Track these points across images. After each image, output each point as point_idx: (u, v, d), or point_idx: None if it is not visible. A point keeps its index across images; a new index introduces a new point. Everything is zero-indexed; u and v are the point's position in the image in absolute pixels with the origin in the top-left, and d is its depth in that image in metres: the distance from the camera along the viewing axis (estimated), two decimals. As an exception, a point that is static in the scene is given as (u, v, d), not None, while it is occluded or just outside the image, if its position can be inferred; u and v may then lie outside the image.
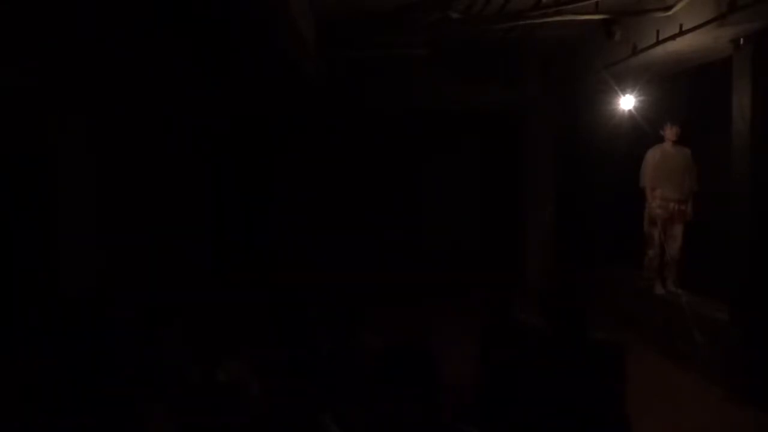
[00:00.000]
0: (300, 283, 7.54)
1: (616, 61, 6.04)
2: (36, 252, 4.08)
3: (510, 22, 5.88)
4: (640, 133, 6.50)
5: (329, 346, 3.05)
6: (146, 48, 5.41)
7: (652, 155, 6.16)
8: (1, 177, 3.81)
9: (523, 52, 7.61)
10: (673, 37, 5.01)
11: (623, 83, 6.46)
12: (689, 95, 6.31)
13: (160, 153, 6.12)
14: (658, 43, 5.24)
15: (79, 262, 4.54)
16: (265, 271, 7.95)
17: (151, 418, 2.32)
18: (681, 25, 4.91)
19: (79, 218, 4.61)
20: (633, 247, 6.59)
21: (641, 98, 6.41)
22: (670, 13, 5.03)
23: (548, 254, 8.15)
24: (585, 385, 2.77)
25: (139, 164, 5.58)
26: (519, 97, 8.12)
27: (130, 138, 5.45)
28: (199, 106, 7.29)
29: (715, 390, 4.91)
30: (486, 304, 3.52)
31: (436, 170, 9.15)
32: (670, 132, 6.00)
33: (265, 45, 5.38)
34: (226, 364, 2.73)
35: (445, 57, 7.46)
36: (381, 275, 8.04)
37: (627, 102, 6.49)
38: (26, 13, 3.77)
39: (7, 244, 3.83)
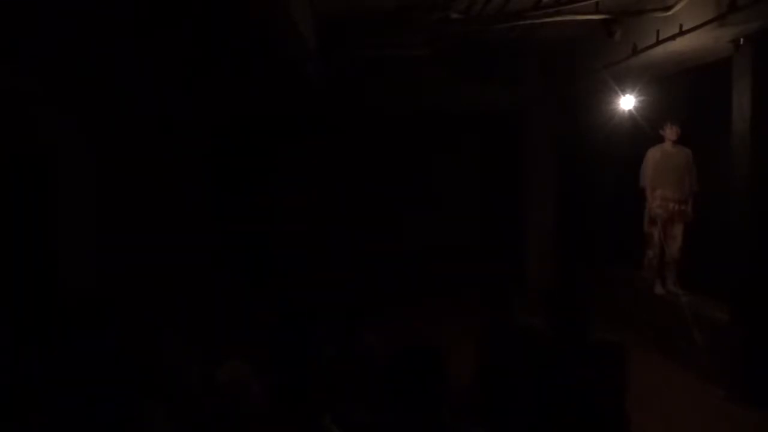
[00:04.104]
0: (300, 282, 7.55)
1: (616, 61, 6.04)
2: (36, 252, 4.08)
3: (510, 22, 5.88)
4: (640, 133, 6.49)
5: (329, 347, 3.05)
6: (145, 48, 5.41)
7: (652, 155, 6.16)
8: (1, 177, 3.81)
9: (523, 52, 7.60)
10: (673, 37, 5.01)
11: (623, 83, 6.46)
12: (689, 95, 6.31)
13: (160, 153, 6.12)
14: (658, 43, 5.24)
15: (79, 262, 4.54)
16: (266, 271, 7.96)
17: (151, 418, 2.31)
18: (681, 25, 4.91)
19: (78, 218, 4.61)
20: (633, 247, 6.59)
21: (641, 98, 6.41)
22: (670, 13, 5.03)
23: (548, 254, 8.15)
24: (585, 385, 2.77)
25: (138, 164, 5.58)
26: (519, 97, 8.12)
27: (129, 138, 5.45)
28: (198, 106, 7.29)
29: (715, 390, 4.91)
30: (486, 304, 3.52)
31: (437, 170, 9.14)
32: (670, 132, 6.00)
33: (265, 45, 5.37)
34: (226, 364, 2.74)
35: (445, 57, 7.46)
36: (381, 275, 8.04)
37: (627, 102, 6.49)
38: (24, 12, 3.77)
39: (7, 244, 3.83)
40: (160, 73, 6.08)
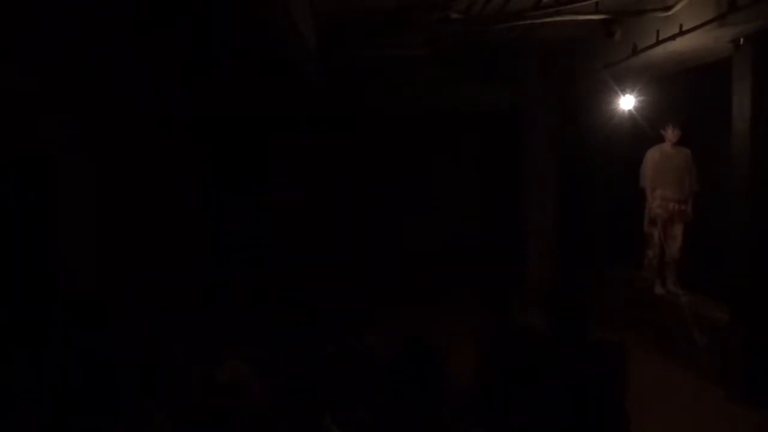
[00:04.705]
0: (300, 282, 7.55)
1: (616, 61, 6.03)
2: (36, 252, 4.08)
3: (510, 22, 5.87)
4: (640, 133, 6.49)
5: (329, 347, 3.05)
6: (145, 48, 5.41)
7: (652, 155, 6.16)
8: (1, 177, 3.81)
9: (523, 52, 7.60)
10: (673, 37, 5.01)
11: (623, 83, 6.46)
12: (689, 95, 6.31)
13: (159, 154, 6.12)
14: (658, 43, 5.24)
15: (79, 262, 4.54)
16: (266, 272, 7.96)
17: (151, 418, 2.31)
18: (681, 25, 4.90)
19: (78, 218, 4.61)
20: (633, 247, 6.59)
21: (641, 98, 6.40)
22: (670, 13, 5.03)
23: (548, 254, 8.14)
24: (585, 385, 2.77)
25: (138, 165, 5.58)
26: (519, 97, 8.11)
27: (129, 138, 5.45)
28: (198, 106, 7.29)
29: (715, 390, 4.91)
30: (486, 304, 3.52)
31: (437, 170, 9.15)
32: (671, 134, 6.00)
33: (265, 45, 5.38)
34: (226, 364, 2.74)
35: (445, 57, 7.45)
36: (381, 276, 8.04)
37: (627, 102, 6.48)
38: (24, 12, 3.77)
39: (7, 245, 3.83)
40: (160, 73, 6.07)
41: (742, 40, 4.67)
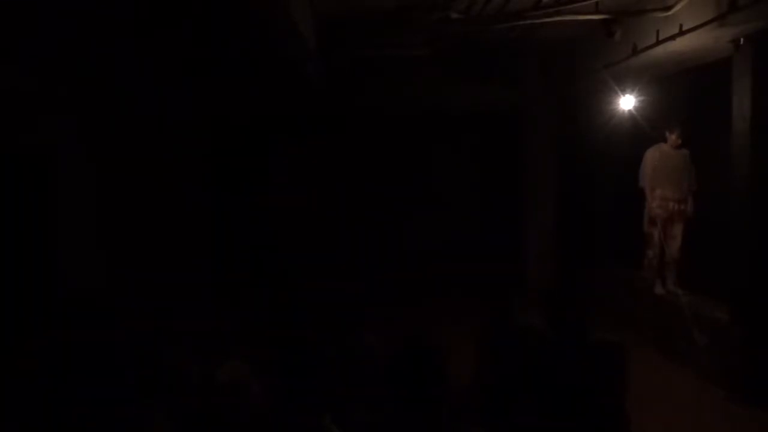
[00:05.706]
0: (300, 282, 7.54)
1: (616, 61, 6.04)
2: (36, 252, 4.08)
3: (510, 22, 5.88)
4: (640, 133, 6.50)
5: (329, 347, 3.05)
6: (145, 48, 5.41)
7: (651, 155, 6.17)
8: (1, 177, 3.81)
9: (523, 52, 7.60)
10: (673, 37, 5.01)
11: (623, 83, 6.46)
12: (689, 95, 6.31)
13: (159, 154, 6.12)
14: (658, 43, 5.24)
15: (79, 261, 4.54)
16: (266, 271, 7.95)
17: (151, 418, 2.32)
18: (681, 25, 4.91)
19: (78, 218, 4.61)
20: (633, 247, 6.59)
21: (641, 98, 6.41)
22: (670, 13, 5.03)
23: (548, 254, 8.15)
24: (585, 385, 2.77)
25: (138, 165, 5.58)
26: (519, 97, 8.11)
27: (129, 138, 5.45)
28: (198, 106, 7.29)
29: (715, 390, 4.91)
30: (486, 304, 3.52)
31: (437, 170, 9.15)
32: (674, 140, 6.00)
33: (265, 45, 5.38)
34: (226, 364, 2.74)
35: (445, 57, 7.46)
36: (381, 276, 8.04)
37: (627, 102, 6.49)
38: (24, 12, 3.77)
39: (7, 245, 3.83)
40: (160, 73, 6.07)
41: (742, 40, 4.67)
